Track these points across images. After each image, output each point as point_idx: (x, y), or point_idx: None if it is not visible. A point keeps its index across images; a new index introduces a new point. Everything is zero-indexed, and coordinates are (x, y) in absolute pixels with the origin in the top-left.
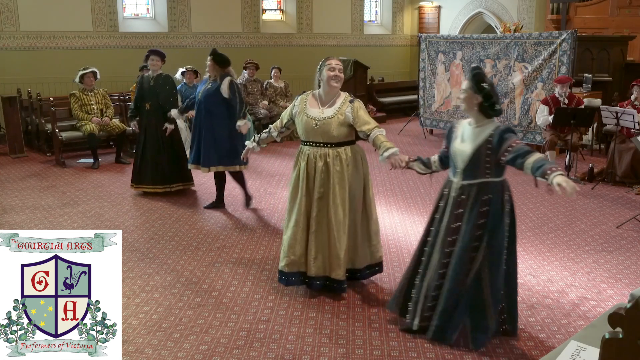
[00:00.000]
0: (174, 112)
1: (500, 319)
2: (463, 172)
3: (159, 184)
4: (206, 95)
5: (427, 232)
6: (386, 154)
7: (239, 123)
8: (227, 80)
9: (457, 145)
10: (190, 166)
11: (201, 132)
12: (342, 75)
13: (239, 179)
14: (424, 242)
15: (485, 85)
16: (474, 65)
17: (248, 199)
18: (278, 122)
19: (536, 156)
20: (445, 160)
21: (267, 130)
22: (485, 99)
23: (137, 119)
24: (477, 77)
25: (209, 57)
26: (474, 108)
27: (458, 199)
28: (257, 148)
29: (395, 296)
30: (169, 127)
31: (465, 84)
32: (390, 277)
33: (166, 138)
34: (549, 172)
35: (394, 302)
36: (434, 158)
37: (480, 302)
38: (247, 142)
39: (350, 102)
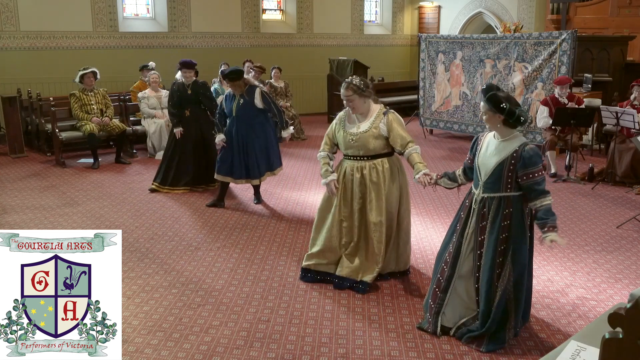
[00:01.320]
0: (219, 138)
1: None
2: (484, 185)
3: (194, 185)
4: (242, 111)
5: (447, 242)
6: (417, 176)
7: (284, 134)
8: (257, 91)
9: (482, 157)
10: (223, 177)
11: (246, 146)
12: (353, 101)
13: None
14: (447, 252)
15: (503, 105)
16: (486, 85)
17: (259, 196)
18: (326, 145)
19: (545, 203)
20: (469, 172)
21: (324, 156)
22: (509, 117)
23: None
24: (494, 99)
25: (225, 80)
26: (497, 125)
27: (480, 211)
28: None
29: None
30: (220, 140)
31: (483, 105)
32: (391, 280)
33: (207, 143)
34: (546, 229)
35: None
36: (459, 171)
37: (505, 315)
38: (329, 177)
39: (385, 114)
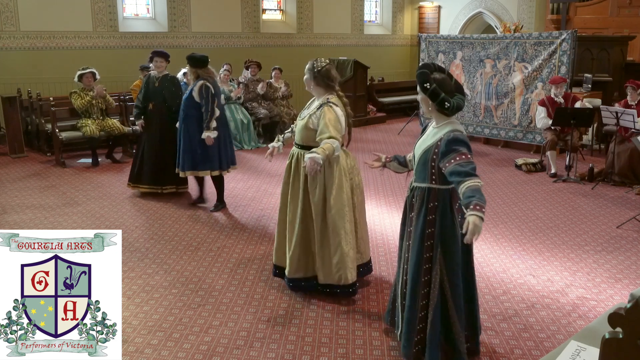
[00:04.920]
0: (211, 135)
1: (465, 336)
2: (415, 173)
3: (155, 184)
4: (185, 101)
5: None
6: (307, 155)
7: (205, 134)
8: (199, 83)
9: (418, 143)
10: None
11: (180, 135)
12: (305, 79)
13: (217, 183)
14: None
15: (428, 85)
16: (422, 63)
17: (218, 204)
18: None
19: (471, 184)
20: None
21: (289, 130)
22: (432, 99)
23: (143, 117)
24: (421, 78)
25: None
26: (429, 108)
27: (410, 201)
28: (281, 148)
29: (389, 308)
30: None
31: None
32: (391, 277)
33: (167, 139)
34: (470, 207)
35: (388, 314)
36: (409, 156)
37: (448, 317)
38: (272, 143)
39: (322, 105)
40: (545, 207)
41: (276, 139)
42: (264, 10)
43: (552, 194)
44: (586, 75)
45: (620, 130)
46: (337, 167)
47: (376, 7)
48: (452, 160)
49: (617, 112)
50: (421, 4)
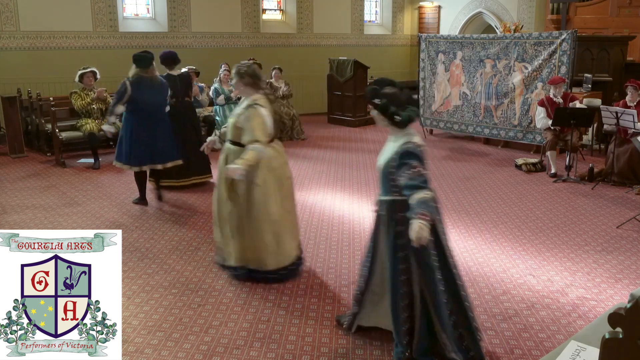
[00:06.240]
0: (105, 128)
1: (462, 346)
2: (379, 187)
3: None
4: None
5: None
6: (230, 165)
7: (103, 126)
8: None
9: (379, 157)
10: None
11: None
12: (234, 80)
13: (135, 178)
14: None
15: (377, 100)
16: (373, 79)
17: (137, 199)
18: None
19: (419, 196)
20: None
21: (225, 125)
22: (383, 113)
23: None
24: (370, 94)
25: None
26: (382, 122)
27: (378, 214)
28: (218, 142)
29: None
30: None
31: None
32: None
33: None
34: (414, 217)
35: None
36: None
37: (432, 326)
38: (210, 137)
39: (249, 107)
40: (545, 207)
41: (214, 132)
42: (264, 10)
43: (552, 194)
44: (586, 75)
45: (620, 132)
46: (262, 162)
47: (376, 7)
48: (404, 174)
49: (617, 112)
50: (421, 4)
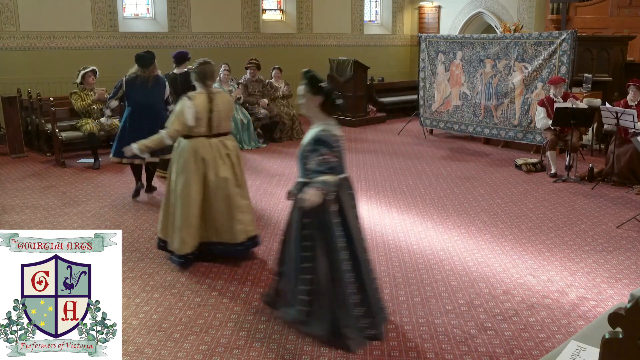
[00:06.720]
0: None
1: (364, 323)
2: (299, 170)
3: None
4: None
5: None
6: (133, 144)
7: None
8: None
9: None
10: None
11: None
12: (193, 80)
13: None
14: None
15: (323, 84)
16: (304, 70)
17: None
18: None
19: (322, 178)
20: None
21: None
22: (327, 97)
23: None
24: (314, 79)
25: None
26: (315, 108)
27: (293, 193)
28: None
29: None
30: None
31: (301, 88)
32: (391, 277)
33: None
34: (306, 188)
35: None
36: None
37: (336, 303)
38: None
39: (183, 98)
40: (545, 207)
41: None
42: (264, 10)
43: (552, 194)
44: (586, 75)
45: (620, 132)
46: (185, 153)
47: (376, 7)
48: (313, 160)
49: (617, 112)
50: (421, 4)
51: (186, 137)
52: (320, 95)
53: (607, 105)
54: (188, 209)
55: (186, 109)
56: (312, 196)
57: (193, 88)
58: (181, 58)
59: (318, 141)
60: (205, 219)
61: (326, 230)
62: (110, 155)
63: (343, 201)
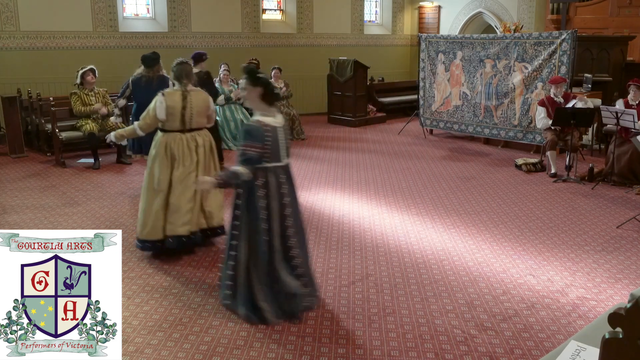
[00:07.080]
0: (111, 119)
1: (277, 301)
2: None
3: None
4: None
5: None
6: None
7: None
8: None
9: None
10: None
11: None
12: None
13: None
14: None
15: (261, 75)
16: (243, 65)
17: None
18: None
19: (233, 168)
20: None
21: None
22: (266, 87)
23: None
24: (254, 71)
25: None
26: (257, 99)
27: (219, 177)
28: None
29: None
30: None
31: (242, 82)
32: (391, 277)
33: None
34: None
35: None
36: None
37: (250, 281)
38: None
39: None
40: (545, 207)
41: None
42: (264, 10)
43: (552, 194)
44: (586, 75)
45: (621, 132)
46: (158, 145)
47: (376, 7)
48: (239, 149)
49: (617, 112)
50: (421, 4)
51: (163, 130)
52: (259, 86)
53: (619, 102)
54: (153, 196)
55: (158, 104)
56: (202, 184)
57: (203, 86)
58: (196, 58)
59: (244, 132)
60: (170, 209)
61: (252, 212)
62: (130, 153)
63: (270, 187)
